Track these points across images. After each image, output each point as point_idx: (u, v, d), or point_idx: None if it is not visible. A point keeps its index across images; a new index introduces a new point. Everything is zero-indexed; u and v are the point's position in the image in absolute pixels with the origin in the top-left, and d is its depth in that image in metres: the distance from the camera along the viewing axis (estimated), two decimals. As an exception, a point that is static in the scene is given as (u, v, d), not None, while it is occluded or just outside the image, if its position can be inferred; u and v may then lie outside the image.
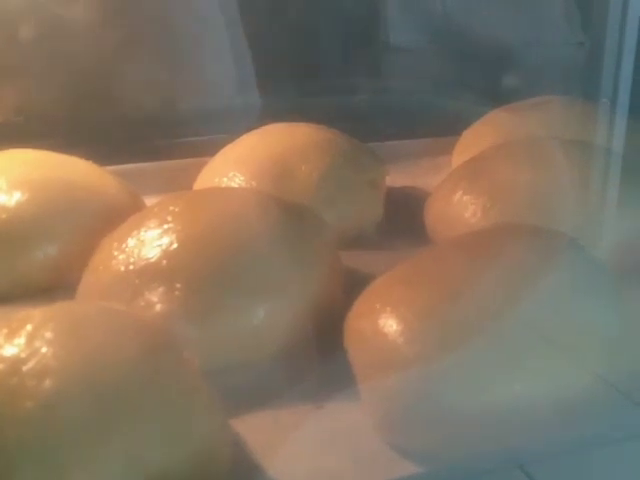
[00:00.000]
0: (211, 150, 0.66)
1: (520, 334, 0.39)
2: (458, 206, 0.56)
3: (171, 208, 0.48)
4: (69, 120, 0.72)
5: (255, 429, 0.41)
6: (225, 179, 0.60)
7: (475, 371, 0.38)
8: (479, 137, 0.70)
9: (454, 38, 0.94)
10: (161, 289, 0.44)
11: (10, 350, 0.35)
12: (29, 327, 0.36)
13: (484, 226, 0.53)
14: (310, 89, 0.86)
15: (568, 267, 0.42)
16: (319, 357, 0.46)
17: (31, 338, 0.35)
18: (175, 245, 0.46)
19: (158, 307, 0.44)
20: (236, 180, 0.60)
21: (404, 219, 0.64)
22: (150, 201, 0.59)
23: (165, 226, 0.47)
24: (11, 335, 0.35)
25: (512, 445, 0.39)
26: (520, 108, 0.74)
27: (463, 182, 0.58)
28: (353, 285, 0.52)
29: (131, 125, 0.73)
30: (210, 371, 0.41)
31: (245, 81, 0.79)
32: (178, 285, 0.45)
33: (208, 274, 0.45)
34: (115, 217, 0.53)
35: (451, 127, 0.76)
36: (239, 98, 0.79)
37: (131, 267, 0.46)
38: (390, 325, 0.40)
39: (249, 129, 0.67)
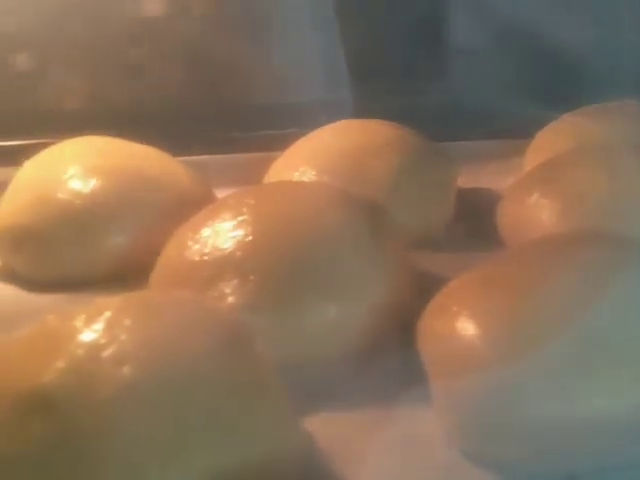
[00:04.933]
0: (282, 145, 0.66)
1: (598, 344, 0.38)
2: (534, 209, 0.55)
3: (246, 200, 0.48)
4: (141, 109, 0.72)
5: (322, 431, 0.40)
6: (296, 174, 0.60)
7: (555, 378, 0.37)
8: (553, 140, 0.69)
9: (522, 40, 0.92)
10: (235, 281, 0.44)
11: (89, 336, 0.35)
12: (108, 314, 0.36)
13: (560, 230, 0.52)
14: (378, 88, 0.85)
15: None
16: (391, 358, 0.45)
17: (110, 325, 0.35)
18: (250, 237, 0.46)
19: (231, 299, 0.44)
20: (307, 175, 0.59)
21: (474, 221, 0.63)
22: (219, 194, 0.59)
23: (240, 218, 0.47)
24: (89, 321, 0.35)
25: (593, 454, 0.37)
26: (595, 112, 0.72)
27: (539, 185, 0.56)
28: (422, 286, 0.51)
29: (205, 116, 0.73)
30: (279, 367, 0.41)
31: (322, 77, 0.79)
32: (252, 277, 0.44)
33: (282, 268, 0.45)
34: (186, 208, 0.53)
35: (521, 129, 0.75)
36: (314, 94, 0.78)
37: (205, 257, 0.46)
38: (468, 328, 0.39)
39: (319, 125, 0.67)
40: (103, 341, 0.34)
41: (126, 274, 0.52)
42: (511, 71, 0.91)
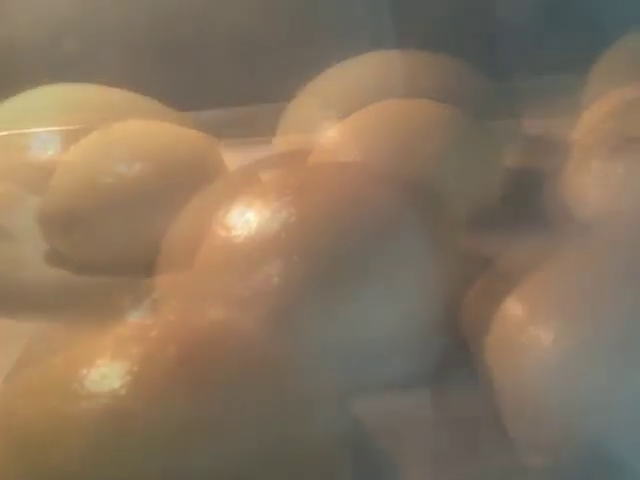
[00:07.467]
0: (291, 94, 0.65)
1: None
2: (583, 190, 0.54)
3: (290, 181, 0.48)
4: (133, 56, 0.71)
5: (368, 415, 0.40)
6: (340, 154, 0.59)
7: (605, 362, 0.36)
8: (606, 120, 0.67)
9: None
10: (279, 262, 0.44)
11: (136, 316, 0.35)
12: (154, 295, 0.36)
13: (609, 211, 0.51)
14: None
15: None
16: (438, 340, 0.45)
17: (156, 306, 0.35)
18: (294, 219, 0.45)
19: (276, 280, 0.44)
20: (351, 156, 0.59)
21: (521, 201, 0.62)
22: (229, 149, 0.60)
23: (284, 199, 0.47)
24: (136, 302, 0.36)
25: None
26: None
27: (588, 165, 0.55)
28: (469, 266, 0.50)
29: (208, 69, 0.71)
30: (328, 348, 0.41)
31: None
32: (296, 258, 0.44)
33: (327, 249, 0.44)
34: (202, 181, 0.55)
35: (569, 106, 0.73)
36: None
37: (250, 240, 0.45)
38: (515, 309, 0.39)
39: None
40: (149, 322, 0.34)
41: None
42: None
